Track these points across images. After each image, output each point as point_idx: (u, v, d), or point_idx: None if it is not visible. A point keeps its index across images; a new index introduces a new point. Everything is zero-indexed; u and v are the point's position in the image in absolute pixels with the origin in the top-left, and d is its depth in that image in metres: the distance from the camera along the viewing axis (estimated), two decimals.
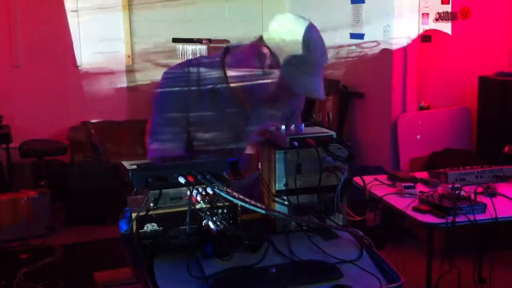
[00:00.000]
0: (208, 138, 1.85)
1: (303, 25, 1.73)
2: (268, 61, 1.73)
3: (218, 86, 1.83)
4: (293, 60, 1.70)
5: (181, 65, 1.88)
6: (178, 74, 1.84)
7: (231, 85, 1.82)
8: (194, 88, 1.82)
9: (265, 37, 1.74)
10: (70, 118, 5.22)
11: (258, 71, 1.75)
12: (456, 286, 2.58)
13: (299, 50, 1.69)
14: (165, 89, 1.83)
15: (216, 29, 5.33)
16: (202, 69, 1.84)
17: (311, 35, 1.72)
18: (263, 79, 1.75)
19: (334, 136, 1.52)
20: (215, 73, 1.83)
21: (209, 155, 1.73)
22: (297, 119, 2.00)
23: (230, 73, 1.82)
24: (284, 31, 1.72)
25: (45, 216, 4.32)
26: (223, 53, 1.87)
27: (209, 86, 1.83)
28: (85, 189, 4.56)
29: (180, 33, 5.27)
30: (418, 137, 4.32)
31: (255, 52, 1.75)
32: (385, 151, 4.44)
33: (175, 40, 5.27)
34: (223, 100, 1.83)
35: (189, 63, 1.88)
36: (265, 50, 1.72)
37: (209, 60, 1.88)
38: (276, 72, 1.73)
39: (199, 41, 5.22)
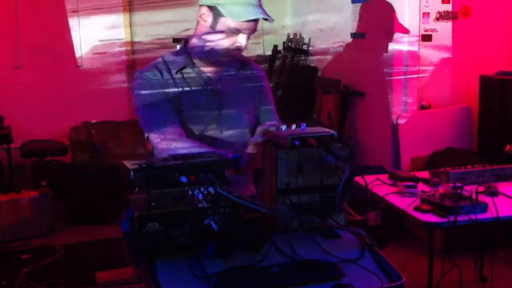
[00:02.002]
0: (193, 114, 1.92)
1: None
2: (209, 19, 1.86)
3: (189, 72, 1.94)
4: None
5: (148, 66, 1.98)
6: (149, 73, 1.94)
7: (200, 68, 1.95)
8: (167, 77, 1.93)
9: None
10: (70, 118, 5.22)
11: (209, 35, 1.88)
12: (457, 285, 2.58)
13: None
14: (142, 89, 1.93)
15: None
16: (169, 63, 1.96)
17: None
18: (214, 35, 1.87)
19: (336, 136, 1.53)
20: (182, 61, 1.95)
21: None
22: (269, 100, 2.10)
23: (195, 59, 1.95)
24: None
25: (46, 216, 4.32)
26: (184, 42, 2.00)
27: (179, 75, 1.94)
28: (86, 189, 4.56)
29: (181, 33, 5.27)
30: (419, 136, 4.32)
31: (199, 17, 1.90)
32: (386, 150, 4.43)
33: (176, 40, 5.27)
34: (194, 84, 1.94)
35: (155, 62, 1.99)
36: (203, 10, 1.87)
37: (172, 53, 2.00)
38: (224, 22, 1.84)
39: None
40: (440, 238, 3.55)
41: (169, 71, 1.94)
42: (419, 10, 4.28)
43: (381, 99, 4.48)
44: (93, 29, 5.29)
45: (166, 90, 1.92)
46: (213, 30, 1.87)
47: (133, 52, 5.45)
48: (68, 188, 4.59)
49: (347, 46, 4.93)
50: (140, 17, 5.43)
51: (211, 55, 1.90)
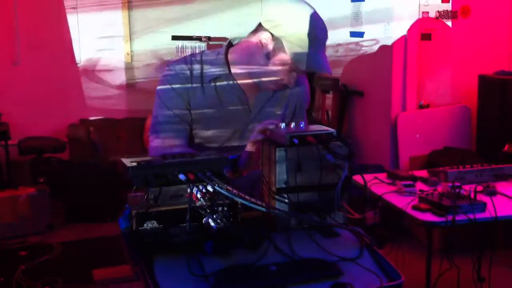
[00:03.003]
0: (210, 135, 1.85)
1: (297, 3, 1.74)
2: (270, 46, 1.73)
3: (222, 82, 1.82)
4: (295, 39, 1.71)
5: (183, 60, 1.86)
6: (180, 70, 1.83)
7: (237, 81, 1.82)
8: (196, 84, 1.81)
9: (263, 22, 1.74)
10: (69, 115, 5.21)
11: (263, 60, 1.75)
12: (455, 284, 2.57)
13: (299, 29, 1.70)
14: (167, 86, 1.83)
15: (216, 27, 5.32)
16: (205, 65, 1.83)
17: (309, 12, 1.74)
18: (269, 66, 1.75)
19: (335, 134, 1.52)
20: (218, 69, 1.83)
21: (210, 152, 1.71)
22: (302, 116, 1.99)
23: (234, 68, 1.82)
24: (280, 12, 1.73)
25: (44, 214, 4.31)
26: (226, 47, 1.86)
27: (212, 83, 1.82)
28: (83, 186, 4.55)
29: (180, 31, 5.26)
30: (417, 135, 4.31)
31: (257, 41, 1.75)
32: (384, 149, 4.43)
33: (175, 38, 5.26)
34: (226, 96, 1.83)
35: (191, 58, 1.86)
36: (266, 35, 1.73)
37: (212, 55, 1.87)
38: (281, 56, 1.73)
39: (198, 38, 5.21)
40: (438, 238, 3.55)
41: (201, 80, 1.81)
42: (419, 9, 4.28)
43: (380, 98, 4.48)
44: (92, 26, 5.28)
45: (190, 90, 1.80)
46: (266, 57, 1.75)
47: (131, 49, 5.43)
48: (66, 185, 4.58)
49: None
50: (139, 13, 5.41)
51: (258, 81, 1.79)
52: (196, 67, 1.82)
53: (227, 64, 1.82)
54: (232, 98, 1.84)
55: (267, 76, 1.77)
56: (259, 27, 1.76)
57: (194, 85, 1.81)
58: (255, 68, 1.77)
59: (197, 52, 4.94)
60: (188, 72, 1.81)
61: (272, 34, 1.73)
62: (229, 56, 1.84)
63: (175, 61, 1.87)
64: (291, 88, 1.86)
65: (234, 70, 1.82)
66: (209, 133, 1.85)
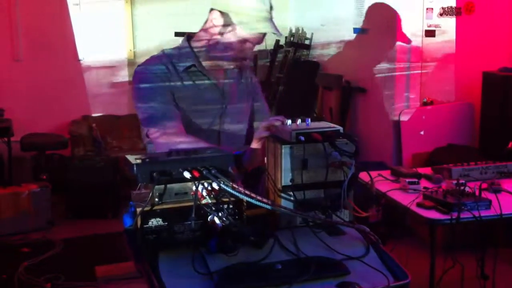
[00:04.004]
0: (196, 110, 1.93)
1: None
2: (219, 22, 1.86)
3: (195, 71, 1.94)
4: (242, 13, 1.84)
5: (152, 59, 1.98)
6: (154, 67, 1.93)
7: (201, 61, 1.94)
8: (172, 70, 1.93)
9: (212, 5, 1.89)
10: (71, 112, 5.21)
11: (216, 34, 1.89)
12: (459, 282, 2.56)
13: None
14: (142, 84, 1.93)
15: None
16: (173, 60, 1.95)
17: None
18: (223, 38, 1.88)
19: (341, 131, 1.51)
20: (188, 60, 1.94)
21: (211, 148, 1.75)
22: (256, 93, 2.14)
23: (200, 57, 1.95)
24: None
25: (46, 210, 4.31)
26: (186, 40, 1.99)
27: (186, 74, 1.94)
28: (86, 183, 4.54)
29: (182, 27, 5.24)
30: (422, 132, 4.30)
31: (209, 24, 1.90)
32: (387, 146, 4.42)
33: (177, 34, 5.24)
34: (198, 77, 1.94)
35: (158, 56, 1.99)
36: (215, 14, 1.87)
37: (175, 50, 1.99)
38: (232, 27, 1.86)
39: None
40: (441, 235, 3.54)
41: (172, 64, 1.94)
42: (423, 6, 4.26)
43: (383, 95, 4.47)
44: (95, 22, 5.27)
45: (169, 84, 1.92)
46: (221, 36, 1.88)
47: (134, 45, 5.42)
48: (68, 182, 4.58)
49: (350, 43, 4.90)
50: (142, 10, 5.40)
51: (217, 59, 1.92)
52: (166, 61, 1.95)
53: (193, 53, 1.95)
54: (204, 79, 1.96)
55: (226, 52, 1.89)
56: (210, 11, 1.90)
57: (170, 71, 1.93)
58: (216, 52, 1.90)
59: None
60: (160, 64, 1.94)
61: (220, 12, 1.86)
62: (192, 45, 1.96)
63: (144, 62, 1.99)
64: (248, 59, 1.98)
65: (201, 58, 1.95)
66: (195, 108, 1.93)
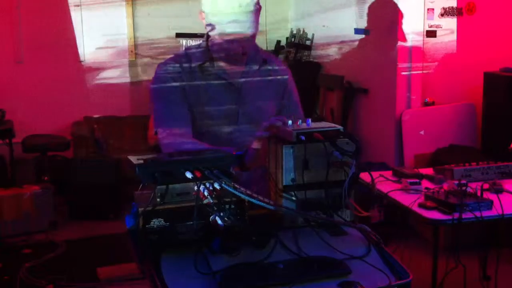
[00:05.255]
0: (209, 111, 1.94)
1: None
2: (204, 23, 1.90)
3: (209, 69, 1.95)
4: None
5: (172, 58, 1.99)
6: (171, 67, 1.94)
7: (215, 59, 1.95)
8: (186, 65, 1.94)
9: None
10: (72, 113, 5.21)
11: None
12: (461, 283, 2.56)
13: None
14: (161, 84, 1.93)
15: None
16: (192, 58, 1.96)
17: None
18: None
19: (342, 131, 1.51)
20: (203, 58, 1.96)
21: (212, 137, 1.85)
22: (296, 110, 2.10)
23: (215, 54, 1.94)
24: None
25: (48, 211, 4.31)
26: (206, 37, 1.98)
27: (201, 72, 1.94)
28: (88, 184, 4.55)
29: (184, 28, 5.25)
30: (422, 132, 4.30)
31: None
32: (389, 147, 4.42)
33: (179, 35, 5.25)
34: (213, 77, 1.94)
35: (178, 54, 2.00)
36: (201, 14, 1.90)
37: (194, 47, 2.01)
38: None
39: (202, 36, 5.19)
40: (443, 236, 3.54)
41: (189, 63, 1.95)
42: (424, 6, 4.26)
43: (385, 95, 4.47)
44: (96, 23, 5.27)
45: (184, 83, 1.92)
46: (207, 33, 1.93)
47: (135, 46, 5.43)
48: (70, 183, 4.59)
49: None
50: (143, 11, 5.41)
51: (225, 55, 1.93)
52: (184, 60, 1.95)
53: (208, 51, 1.95)
54: (219, 79, 1.95)
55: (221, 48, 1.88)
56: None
57: (185, 70, 1.93)
58: (220, 46, 1.90)
59: None
60: (176, 64, 1.95)
61: (201, 11, 1.90)
62: (209, 43, 1.96)
63: (164, 61, 1.99)
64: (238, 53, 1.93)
65: (215, 55, 1.95)
66: (208, 108, 1.93)
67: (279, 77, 2.07)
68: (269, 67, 2.04)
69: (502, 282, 2.79)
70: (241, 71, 1.98)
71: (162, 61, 2.00)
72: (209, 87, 1.95)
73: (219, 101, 1.95)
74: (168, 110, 1.92)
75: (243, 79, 1.98)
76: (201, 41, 2.02)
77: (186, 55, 1.97)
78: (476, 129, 4.45)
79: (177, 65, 1.94)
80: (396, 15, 4.25)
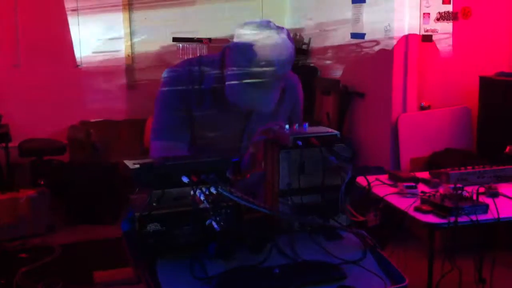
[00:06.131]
0: (212, 137, 1.85)
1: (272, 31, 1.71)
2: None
3: (218, 85, 1.82)
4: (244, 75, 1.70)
5: (183, 63, 1.89)
6: (181, 73, 1.85)
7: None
8: (196, 87, 1.82)
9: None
10: (69, 117, 5.21)
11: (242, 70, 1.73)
12: (457, 286, 2.57)
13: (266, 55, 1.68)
14: (168, 88, 1.84)
15: (216, 29, 5.32)
16: (203, 68, 1.84)
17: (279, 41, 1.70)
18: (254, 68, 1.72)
19: (338, 136, 1.51)
20: (215, 72, 1.82)
21: (211, 154, 1.71)
22: (298, 116, 2.01)
23: (227, 72, 1.79)
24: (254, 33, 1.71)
25: (44, 215, 4.30)
26: (223, 51, 1.86)
27: (209, 86, 1.83)
28: (84, 188, 4.54)
29: (181, 33, 5.26)
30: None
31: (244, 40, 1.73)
32: (385, 151, 4.43)
33: (176, 40, 5.26)
34: (222, 100, 1.82)
35: (190, 61, 1.89)
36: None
37: (210, 59, 1.88)
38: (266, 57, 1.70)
39: (199, 40, 5.21)
40: (439, 239, 3.54)
41: (200, 83, 1.83)
42: (420, 11, 4.28)
43: (381, 99, 4.48)
44: (93, 28, 5.28)
45: (191, 103, 1.82)
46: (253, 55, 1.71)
47: (132, 51, 5.43)
48: (66, 187, 4.58)
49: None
50: (140, 15, 5.41)
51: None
52: (195, 70, 1.83)
53: (222, 68, 1.81)
54: (226, 101, 1.81)
55: (254, 77, 1.72)
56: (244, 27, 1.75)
57: (195, 87, 1.82)
58: (246, 70, 1.73)
59: (198, 54, 4.96)
60: (188, 75, 1.83)
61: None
62: (226, 59, 1.82)
63: (176, 65, 1.89)
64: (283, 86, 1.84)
65: (227, 73, 1.79)
66: (210, 134, 1.85)
67: (292, 96, 1.99)
68: (286, 95, 1.93)
69: (498, 285, 2.80)
70: None
71: (172, 65, 1.89)
72: (217, 110, 1.83)
73: (227, 127, 1.86)
74: (168, 126, 1.82)
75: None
76: (215, 55, 1.87)
77: (200, 63, 1.84)
78: (472, 133, 4.46)
79: (187, 73, 1.82)
80: (392, 20, 4.27)
